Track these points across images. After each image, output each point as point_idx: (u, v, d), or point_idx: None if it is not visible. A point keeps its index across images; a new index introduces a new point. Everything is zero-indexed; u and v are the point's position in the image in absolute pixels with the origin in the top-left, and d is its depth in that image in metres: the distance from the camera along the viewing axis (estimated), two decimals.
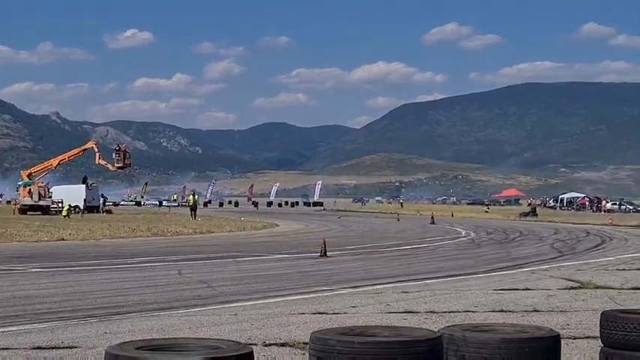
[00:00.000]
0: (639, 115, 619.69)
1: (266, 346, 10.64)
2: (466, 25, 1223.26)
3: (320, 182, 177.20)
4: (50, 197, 77.46)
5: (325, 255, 27.04)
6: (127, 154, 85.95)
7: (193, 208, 63.46)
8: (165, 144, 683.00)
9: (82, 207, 75.79)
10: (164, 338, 8.09)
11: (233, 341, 7.61)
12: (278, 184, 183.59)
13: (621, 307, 12.87)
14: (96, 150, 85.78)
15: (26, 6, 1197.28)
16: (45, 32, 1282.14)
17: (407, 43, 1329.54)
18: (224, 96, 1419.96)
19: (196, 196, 67.59)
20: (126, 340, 7.42)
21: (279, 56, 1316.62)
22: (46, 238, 35.85)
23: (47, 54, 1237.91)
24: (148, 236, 39.79)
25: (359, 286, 18.35)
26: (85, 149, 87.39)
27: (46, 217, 65.40)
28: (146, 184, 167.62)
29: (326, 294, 16.85)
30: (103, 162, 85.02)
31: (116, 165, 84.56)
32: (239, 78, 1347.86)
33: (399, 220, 68.41)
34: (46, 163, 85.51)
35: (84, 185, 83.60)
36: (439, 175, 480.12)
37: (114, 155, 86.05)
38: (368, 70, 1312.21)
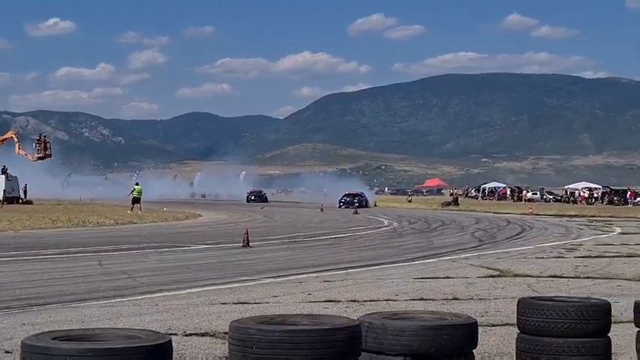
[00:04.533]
0: (559, 106, 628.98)
1: (186, 335, 10.62)
2: (392, 15, 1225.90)
3: (244, 172, 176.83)
4: None
5: (248, 245, 27.03)
6: (48, 144, 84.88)
7: (137, 200, 59.29)
8: (87, 134, 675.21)
9: (1, 198, 74.59)
10: (82, 329, 8.03)
11: (152, 331, 7.58)
12: (200, 174, 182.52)
13: (538, 295, 13.08)
14: (16, 140, 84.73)
15: None
16: None
17: (332, 34, 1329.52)
18: (148, 86, 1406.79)
19: (140, 187, 62.67)
20: (44, 331, 7.36)
21: (204, 46, 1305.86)
22: None
23: None
24: (69, 227, 39.34)
25: (281, 276, 18.39)
26: (5, 139, 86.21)
27: None
28: (69, 175, 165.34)
29: (248, 284, 16.85)
30: (22, 152, 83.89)
31: (36, 155, 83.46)
32: (163, 68, 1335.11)
33: (322, 210, 68.56)
34: None
35: (3, 176, 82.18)
36: (363, 166, 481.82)
37: (34, 145, 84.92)
38: (293, 60, 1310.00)
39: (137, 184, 63.46)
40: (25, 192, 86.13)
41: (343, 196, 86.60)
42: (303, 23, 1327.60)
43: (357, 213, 60.95)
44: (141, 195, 59.96)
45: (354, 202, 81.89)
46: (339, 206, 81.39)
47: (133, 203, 58.51)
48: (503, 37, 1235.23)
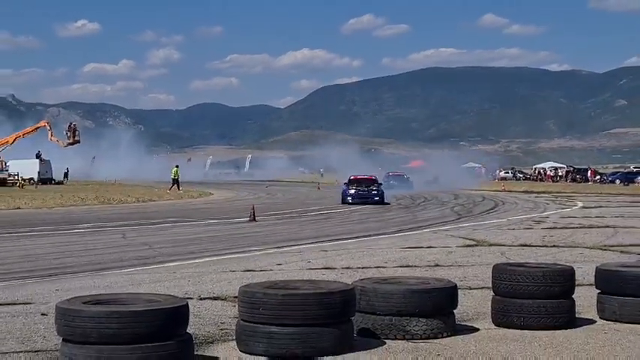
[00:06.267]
0: (528, 96, 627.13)
1: (201, 299, 10.62)
2: (381, 15, 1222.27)
3: (250, 156, 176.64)
4: (7, 170, 76.04)
5: (254, 219, 27.02)
6: (77, 132, 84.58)
7: (176, 181, 57.85)
8: (111, 123, 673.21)
9: (35, 179, 74.55)
10: (109, 294, 8.03)
11: (170, 295, 7.61)
12: (211, 157, 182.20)
13: (510, 261, 13.09)
14: (48, 128, 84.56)
15: None
16: (2, 22, 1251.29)
17: (328, 32, 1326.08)
18: (165, 79, 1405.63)
19: (178, 169, 60.14)
20: (75, 296, 7.37)
21: (214, 44, 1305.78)
22: (3, 207, 35.22)
23: (5, 42, 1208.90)
24: (95, 204, 39.31)
25: (284, 247, 18.39)
26: (39, 127, 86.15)
27: (4, 188, 64.19)
28: (94, 158, 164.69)
29: (254, 254, 16.84)
30: (54, 139, 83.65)
31: (67, 142, 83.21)
32: (178, 63, 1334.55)
33: (319, 188, 68.47)
34: (2, 140, 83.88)
35: (37, 160, 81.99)
36: (356, 149, 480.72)
37: (65, 133, 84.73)
38: (293, 56, 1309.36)
39: (177, 166, 62.12)
40: (65, 175, 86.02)
41: (351, 185, 42.71)
42: (303, 23, 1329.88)
43: None
44: (177, 176, 58.72)
45: (373, 194, 41.67)
46: (348, 200, 40.85)
47: (173, 184, 57.79)
48: (478, 34, 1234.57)
